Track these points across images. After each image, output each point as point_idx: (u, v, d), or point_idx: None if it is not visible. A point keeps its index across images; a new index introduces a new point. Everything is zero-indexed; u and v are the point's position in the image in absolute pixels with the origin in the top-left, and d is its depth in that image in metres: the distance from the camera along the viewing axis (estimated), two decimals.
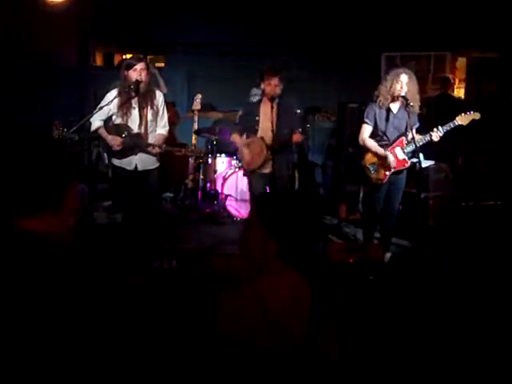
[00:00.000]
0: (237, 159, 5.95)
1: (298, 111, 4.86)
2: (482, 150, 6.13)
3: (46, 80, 6.58)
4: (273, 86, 4.56)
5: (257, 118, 4.76)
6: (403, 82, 4.37)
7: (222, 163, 6.32)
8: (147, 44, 7.62)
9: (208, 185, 6.43)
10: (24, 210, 1.28)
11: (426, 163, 5.46)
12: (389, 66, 6.85)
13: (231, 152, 6.06)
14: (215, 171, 6.39)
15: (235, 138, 4.89)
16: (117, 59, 7.98)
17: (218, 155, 6.28)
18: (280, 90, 4.62)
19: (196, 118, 6.27)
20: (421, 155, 4.47)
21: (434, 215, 5.52)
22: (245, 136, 4.88)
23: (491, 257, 4.55)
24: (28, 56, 6.54)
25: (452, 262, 4.65)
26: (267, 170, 4.69)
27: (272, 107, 4.54)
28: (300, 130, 4.79)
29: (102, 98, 4.49)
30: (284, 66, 4.94)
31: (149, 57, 7.68)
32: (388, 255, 4.74)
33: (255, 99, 5.68)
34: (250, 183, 4.97)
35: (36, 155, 1.31)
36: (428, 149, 4.73)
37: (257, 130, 4.77)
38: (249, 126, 4.82)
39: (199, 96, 6.29)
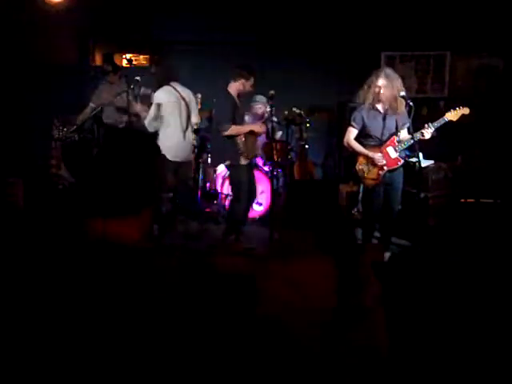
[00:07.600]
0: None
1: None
2: (482, 149, 6.13)
3: (45, 79, 6.58)
4: (248, 86, 5.03)
5: (237, 111, 5.00)
6: (381, 87, 4.39)
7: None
8: (147, 44, 7.62)
9: (208, 184, 6.43)
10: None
11: (425, 163, 5.47)
12: (389, 65, 6.85)
13: None
14: (215, 171, 6.40)
15: (234, 129, 4.91)
16: (117, 59, 7.97)
17: None
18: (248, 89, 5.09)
19: None
20: (420, 155, 4.46)
21: (433, 215, 5.52)
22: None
23: (491, 256, 4.55)
24: (28, 55, 6.56)
25: (452, 260, 4.65)
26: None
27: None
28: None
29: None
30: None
31: (148, 56, 7.69)
32: (387, 255, 4.75)
33: (257, 105, 6.32)
34: (237, 175, 5.01)
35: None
36: (427, 148, 4.73)
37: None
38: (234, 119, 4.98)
39: (199, 95, 6.28)
